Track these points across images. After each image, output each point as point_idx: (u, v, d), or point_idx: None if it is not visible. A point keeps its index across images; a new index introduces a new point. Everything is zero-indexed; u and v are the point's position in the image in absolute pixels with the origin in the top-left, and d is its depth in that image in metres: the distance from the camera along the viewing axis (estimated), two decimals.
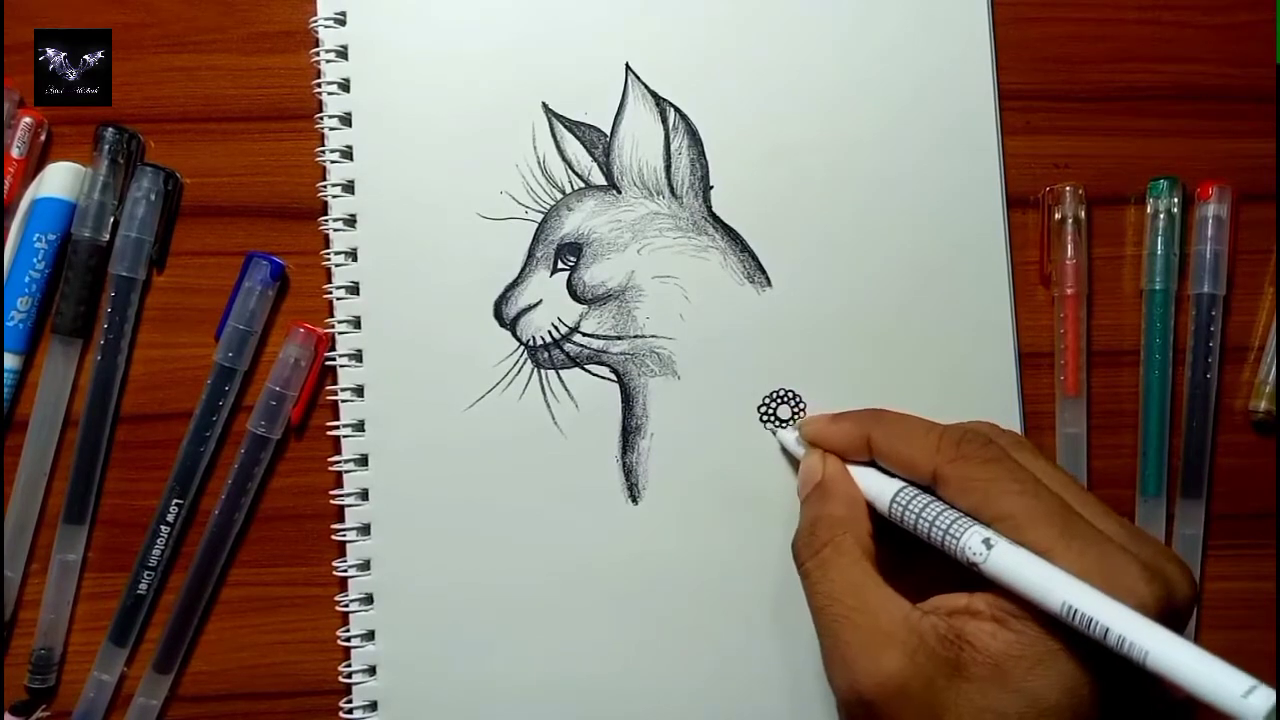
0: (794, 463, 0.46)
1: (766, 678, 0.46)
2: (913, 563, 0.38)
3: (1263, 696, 0.28)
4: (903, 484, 0.39)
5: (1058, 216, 0.48)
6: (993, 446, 0.37)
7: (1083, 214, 0.48)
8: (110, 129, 0.46)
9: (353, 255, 0.46)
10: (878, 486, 0.40)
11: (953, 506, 0.37)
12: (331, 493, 0.46)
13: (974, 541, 0.35)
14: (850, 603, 0.36)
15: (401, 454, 0.46)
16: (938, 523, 0.36)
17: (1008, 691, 0.33)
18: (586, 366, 0.46)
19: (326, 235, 0.46)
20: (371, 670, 0.46)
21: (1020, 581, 0.33)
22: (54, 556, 0.46)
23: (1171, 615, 0.33)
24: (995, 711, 0.33)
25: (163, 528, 0.46)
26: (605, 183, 0.47)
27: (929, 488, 0.38)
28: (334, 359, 0.46)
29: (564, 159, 0.47)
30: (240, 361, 0.46)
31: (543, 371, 0.46)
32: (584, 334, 0.46)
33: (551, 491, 0.46)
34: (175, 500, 0.46)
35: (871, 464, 0.41)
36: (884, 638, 0.35)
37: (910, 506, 0.38)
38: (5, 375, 0.46)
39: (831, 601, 0.37)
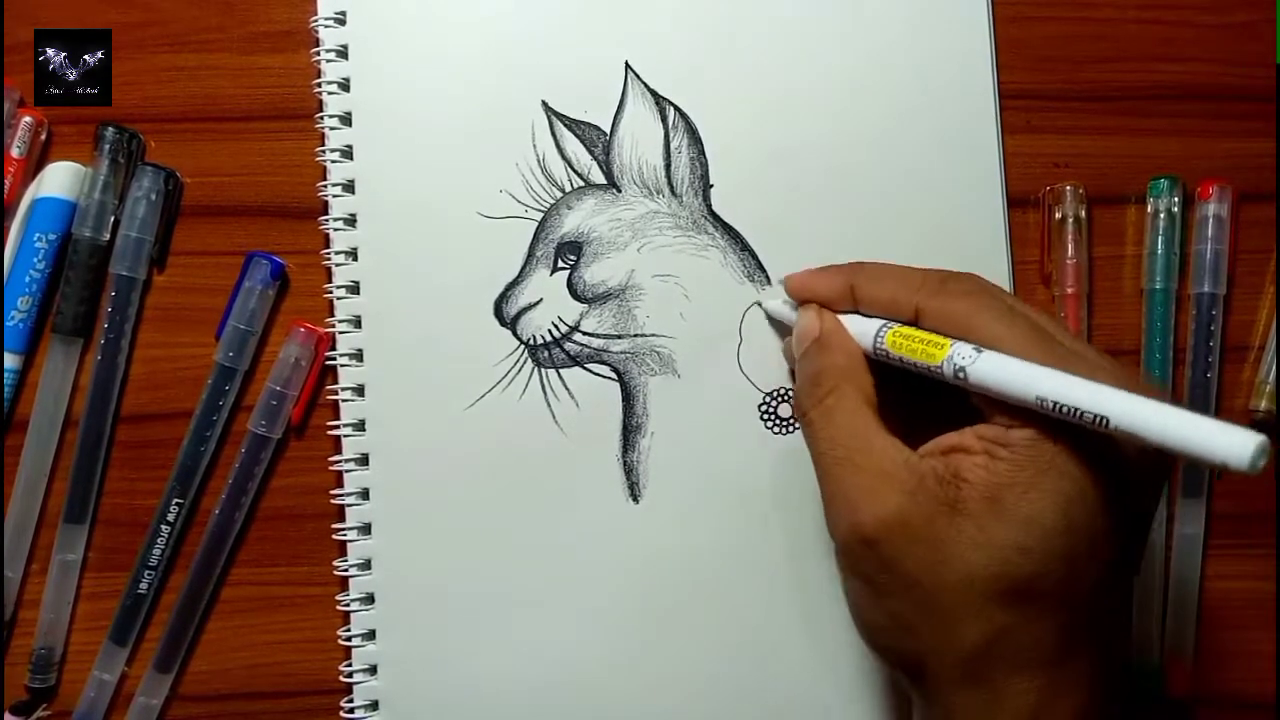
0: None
1: (766, 677, 0.46)
2: (909, 415, 0.39)
3: (1248, 438, 0.28)
4: (884, 322, 0.39)
5: (1058, 216, 0.48)
6: (973, 279, 0.39)
7: (1083, 213, 0.48)
8: (110, 128, 0.46)
9: (353, 255, 0.46)
10: (862, 328, 0.40)
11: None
12: (332, 492, 0.46)
13: (963, 349, 0.35)
14: (854, 445, 0.37)
15: (402, 453, 0.46)
16: (920, 336, 0.37)
17: (1004, 521, 0.33)
18: (587, 365, 0.46)
19: (326, 235, 0.46)
20: (372, 670, 0.46)
21: (998, 381, 0.34)
22: (54, 556, 0.46)
23: None
24: (992, 543, 0.33)
25: (163, 527, 0.46)
26: (605, 181, 0.47)
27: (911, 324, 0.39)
28: (334, 358, 0.46)
29: (564, 158, 0.47)
30: (240, 361, 0.46)
31: (543, 370, 0.46)
32: (584, 333, 0.46)
33: (552, 490, 0.46)
34: (175, 500, 0.46)
35: (855, 313, 0.42)
36: (886, 478, 0.35)
37: (897, 328, 0.39)
38: (5, 375, 0.46)
39: (835, 446, 0.37)
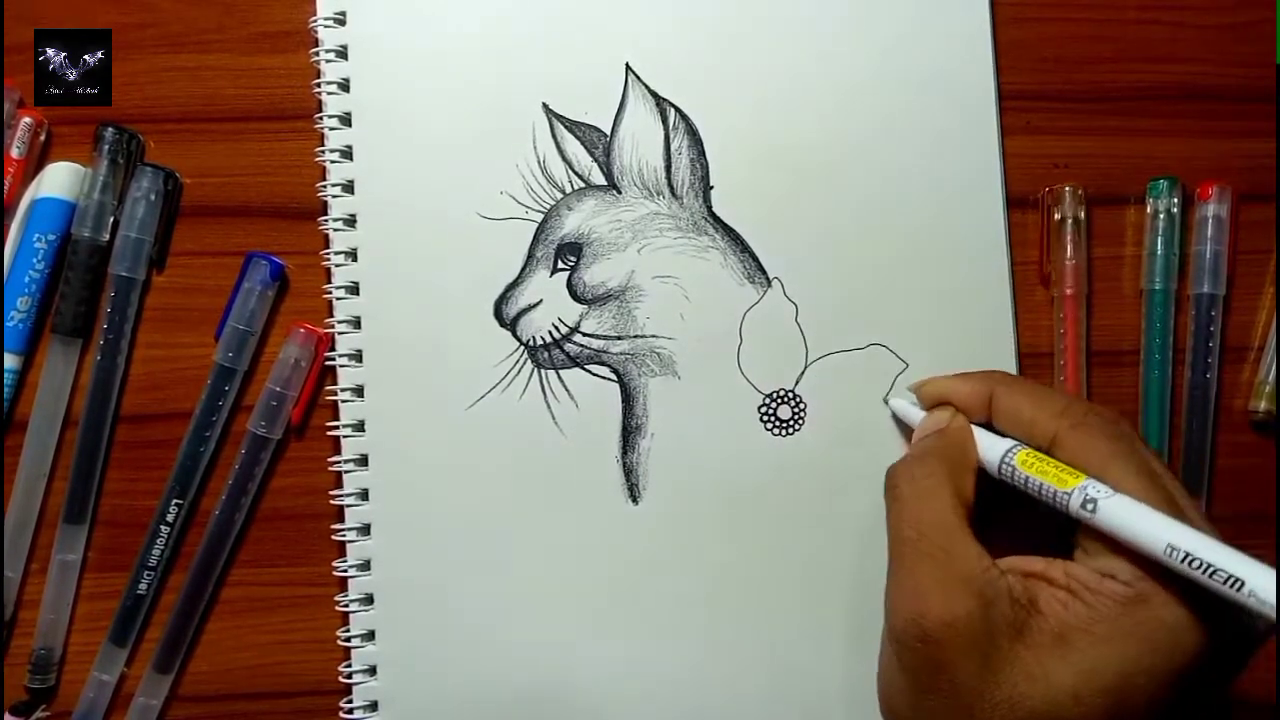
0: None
1: (766, 676, 0.46)
2: (993, 533, 0.38)
3: None
4: (1016, 442, 0.39)
5: (1057, 217, 0.48)
6: (1120, 424, 0.38)
7: (1082, 214, 0.48)
8: (110, 129, 0.46)
9: (353, 255, 0.46)
10: (990, 443, 0.40)
11: None
12: (331, 493, 0.46)
13: (1097, 485, 0.35)
14: (938, 539, 0.36)
15: (401, 454, 0.46)
16: (1045, 489, 0.37)
17: (1065, 663, 0.33)
18: (587, 366, 0.46)
19: (326, 235, 0.46)
20: (372, 670, 0.46)
21: (1129, 522, 0.33)
22: (54, 556, 0.46)
23: None
24: (1047, 680, 0.33)
25: (163, 528, 0.46)
26: (605, 183, 0.47)
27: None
28: (334, 359, 0.46)
29: (564, 159, 0.47)
30: (240, 361, 0.46)
31: (543, 371, 0.46)
32: (584, 334, 0.46)
33: (552, 491, 0.46)
34: (175, 500, 0.46)
35: (987, 426, 0.41)
36: (963, 582, 0.35)
37: (1027, 452, 0.38)
38: (5, 375, 0.46)
39: (919, 536, 0.37)
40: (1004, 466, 0.39)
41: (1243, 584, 0.31)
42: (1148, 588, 0.33)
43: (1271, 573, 0.31)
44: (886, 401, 0.46)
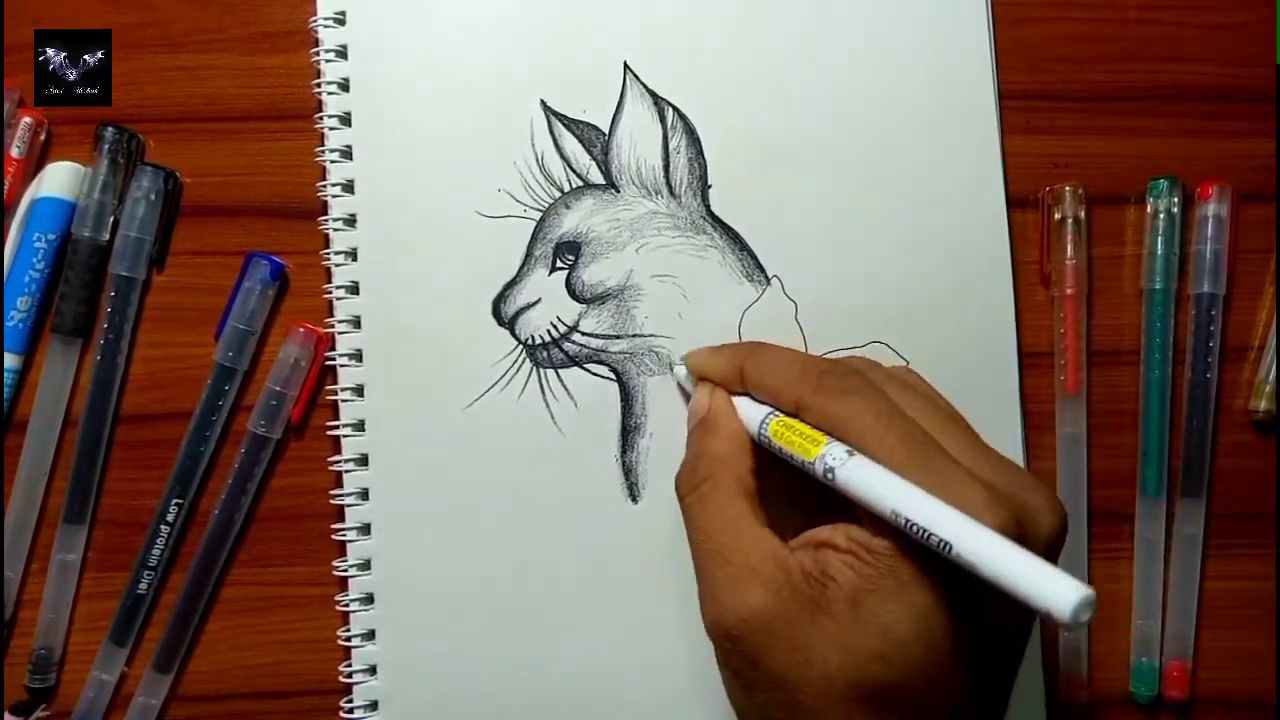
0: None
1: None
2: (794, 500, 0.38)
3: (1073, 590, 0.28)
4: (771, 410, 0.39)
5: (1058, 216, 0.48)
6: (853, 377, 0.37)
7: (1082, 214, 0.48)
8: (110, 128, 0.47)
9: (353, 255, 0.46)
10: (749, 414, 0.39)
11: None
12: (331, 492, 0.46)
13: (836, 450, 0.35)
14: (723, 540, 0.36)
15: (401, 453, 0.46)
16: (799, 433, 0.37)
17: (863, 627, 0.32)
18: (585, 365, 0.46)
19: (326, 235, 0.46)
20: (372, 670, 0.46)
21: (861, 488, 0.33)
22: (54, 556, 0.46)
23: (1022, 543, 0.32)
24: (851, 647, 0.33)
25: (163, 527, 0.46)
26: (604, 181, 0.47)
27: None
28: (334, 359, 0.46)
29: (562, 157, 0.47)
30: (240, 361, 0.46)
31: (542, 370, 0.46)
32: (583, 333, 0.46)
33: (551, 491, 0.46)
34: (175, 500, 0.46)
35: (747, 396, 0.41)
36: (751, 574, 0.35)
37: (779, 420, 0.38)
38: (5, 375, 0.46)
39: (706, 537, 0.37)
40: (761, 437, 0.38)
41: (950, 546, 0.30)
42: (905, 541, 0.33)
43: (977, 529, 0.30)
44: (671, 369, 0.46)
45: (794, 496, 0.38)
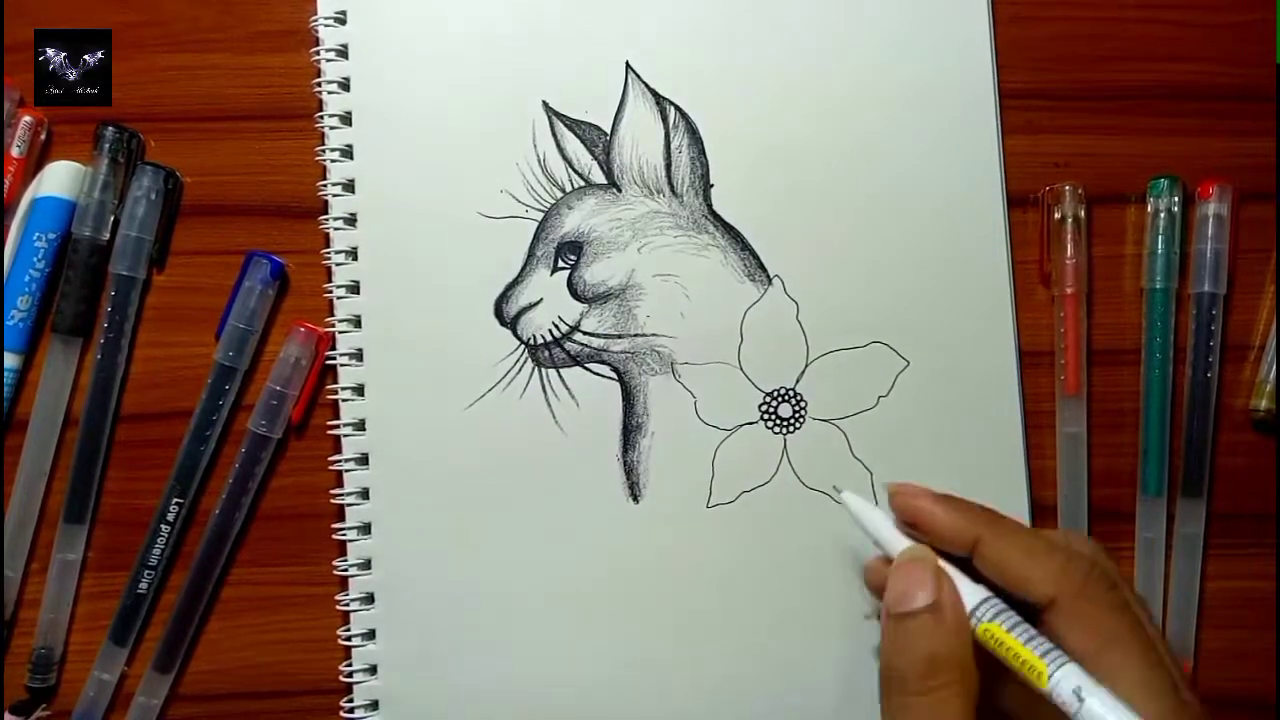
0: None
1: (766, 675, 0.46)
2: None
3: None
4: (989, 594, 0.36)
5: (1057, 216, 0.48)
6: (1118, 593, 0.36)
7: (1082, 213, 0.48)
8: (110, 128, 0.46)
9: (353, 254, 0.46)
10: (966, 597, 0.36)
11: (1041, 633, 0.35)
12: (332, 492, 0.46)
13: (1072, 682, 0.33)
14: None
15: (402, 453, 0.46)
16: (1032, 653, 0.34)
17: None
18: (587, 365, 0.46)
19: (326, 234, 0.46)
20: (372, 669, 0.46)
21: None
22: (54, 556, 0.46)
23: None
24: None
25: (163, 527, 0.46)
26: (605, 181, 0.47)
27: (1016, 605, 0.36)
28: (334, 358, 0.46)
29: (564, 157, 0.47)
30: (240, 361, 0.46)
31: (543, 370, 0.46)
32: (584, 332, 0.46)
33: (552, 490, 0.46)
34: (175, 499, 0.46)
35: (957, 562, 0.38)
36: None
37: (1000, 626, 0.35)
38: (5, 374, 0.46)
39: None
40: (975, 619, 0.36)
41: None
42: None
43: None
44: (837, 491, 0.42)
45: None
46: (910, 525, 0.39)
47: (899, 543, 0.39)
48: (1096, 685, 0.32)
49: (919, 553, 0.38)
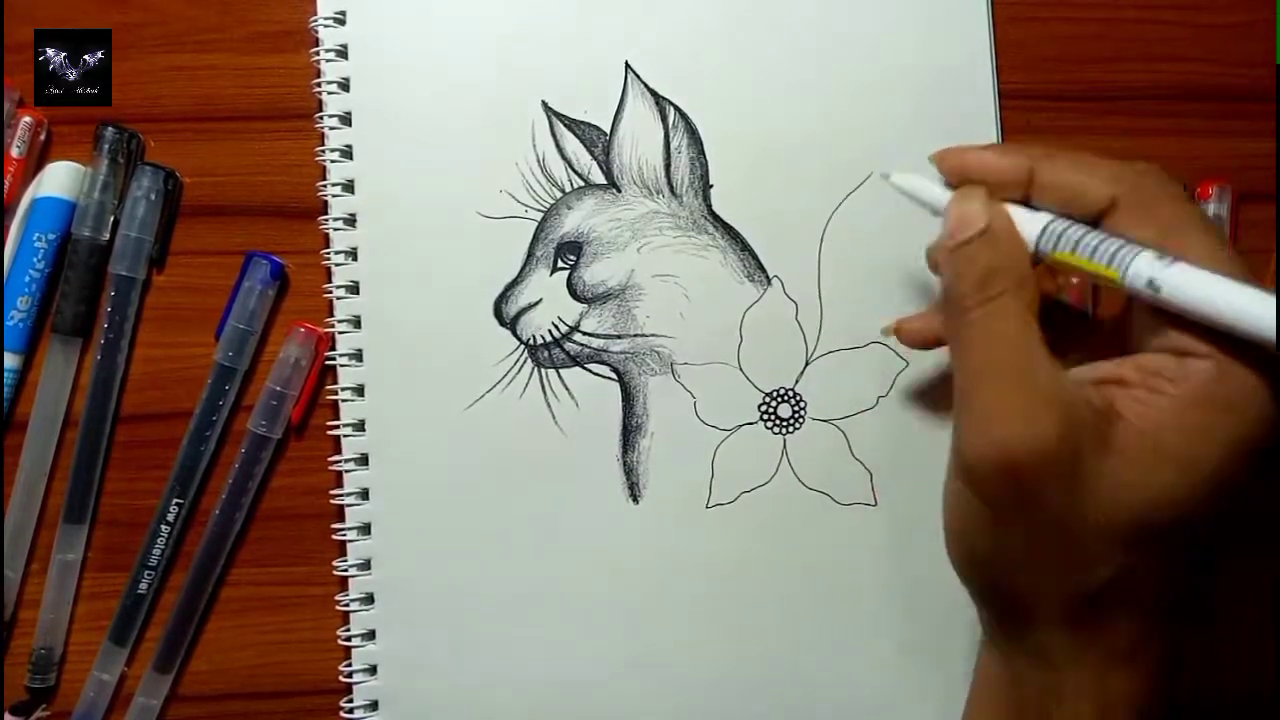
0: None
1: (766, 676, 0.46)
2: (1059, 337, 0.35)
3: None
4: (1053, 216, 0.35)
5: None
6: (1176, 186, 0.35)
7: None
8: (110, 128, 0.46)
9: (353, 255, 0.46)
10: (1023, 222, 0.36)
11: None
12: (332, 492, 0.46)
13: (1151, 255, 0.32)
14: (1017, 360, 0.33)
15: (402, 453, 0.46)
16: (1104, 246, 0.33)
17: (1161, 463, 0.31)
18: (587, 365, 0.46)
19: (326, 234, 0.46)
20: (372, 670, 0.46)
21: (1214, 293, 0.31)
22: (54, 556, 0.46)
23: None
24: (1144, 485, 0.31)
25: (163, 527, 0.46)
26: (605, 181, 0.47)
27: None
28: (334, 358, 0.46)
29: (564, 157, 0.47)
30: (240, 361, 0.46)
31: (543, 370, 0.46)
32: (584, 333, 0.46)
33: (552, 490, 0.46)
34: (175, 500, 0.46)
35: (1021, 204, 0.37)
36: (1045, 401, 0.32)
37: (1069, 233, 0.34)
38: (5, 375, 0.46)
39: (995, 357, 0.34)
40: (1041, 249, 0.35)
41: None
42: (1227, 359, 0.31)
43: None
44: (887, 177, 0.40)
45: (1058, 333, 0.35)
46: (961, 180, 0.38)
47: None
48: (1170, 262, 0.32)
49: (969, 190, 0.37)
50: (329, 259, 0.46)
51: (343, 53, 0.47)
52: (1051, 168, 0.36)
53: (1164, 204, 0.34)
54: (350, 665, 0.46)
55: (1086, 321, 0.35)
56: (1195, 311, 0.31)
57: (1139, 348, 0.34)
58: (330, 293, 0.46)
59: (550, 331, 0.46)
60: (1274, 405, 0.31)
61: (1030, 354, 0.33)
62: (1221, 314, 0.31)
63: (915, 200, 0.39)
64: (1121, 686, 0.33)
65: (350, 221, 0.46)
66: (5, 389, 0.46)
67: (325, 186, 0.46)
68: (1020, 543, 0.33)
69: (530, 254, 0.46)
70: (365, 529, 0.46)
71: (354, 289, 0.46)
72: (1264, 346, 0.30)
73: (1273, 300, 0.30)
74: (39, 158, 0.47)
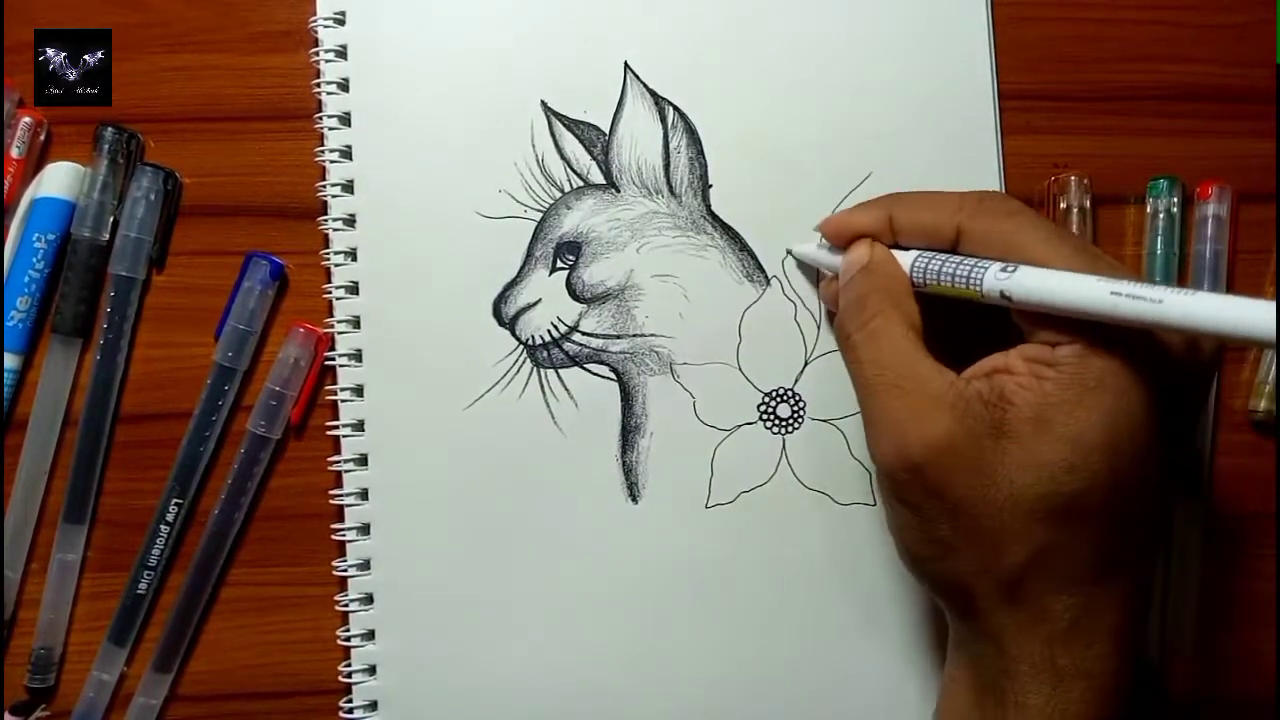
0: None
1: (766, 677, 0.46)
2: (949, 344, 0.39)
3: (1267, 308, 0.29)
4: (920, 250, 0.40)
5: (1063, 205, 0.48)
6: (1014, 201, 0.39)
7: (1087, 204, 0.47)
8: (110, 129, 0.46)
9: (352, 255, 0.46)
10: (901, 259, 0.40)
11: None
12: (331, 492, 0.46)
13: (995, 270, 0.36)
14: (900, 371, 0.37)
15: (401, 453, 0.46)
16: (959, 271, 0.37)
17: (1050, 440, 0.34)
18: (586, 365, 0.46)
19: (326, 235, 0.46)
20: (371, 670, 0.46)
21: (1051, 288, 0.34)
22: (54, 556, 0.46)
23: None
24: (1038, 463, 0.34)
25: (162, 527, 0.46)
26: (604, 181, 0.47)
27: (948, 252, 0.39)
28: (334, 359, 0.46)
29: (563, 157, 0.47)
30: (240, 361, 0.46)
31: (542, 370, 0.46)
32: (583, 333, 0.46)
33: (551, 491, 0.46)
34: (175, 500, 0.46)
35: (895, 247, 0.41)
36: (932, 403, 0.35)
37: (930, 266, 0.39)
38: (5, 375, 0.46)
39: (880, 371, 0.37)
40: (915, 274, 0.39)
41: (1162, 301, 0.31)
42: (1088, 342, 0.34)
43: (1183, 290, 0.31)
44: (790, 252, 0.46)
45: (950, 341, 0.39)
46: (843, 241, 0.43)
47: (840, 255, 0.43)
48: (1012, 272, 0.35)
49: (859, 241, 0.42)
50: (328, 259, 0.46)
51: (342, 53, 0.47)
52: (903, 212, 0.41)
53: (1003, 219, 0.37)
54: (350, 665, 0.46)
55: (979, 320, 0.38)
56: (1044, 307, 0.34)
57: (1026, 339, 0.36)
58: (330, 293, 0.46)
59: (549, 331, 0.46)
60: (1136, 378, 0.34)
61: (911, 363, 0.37)
62: (1062, 306, 0.34)
63: (815, 264, 0.46)
64: (1071, 662, 0.35)
65: (350, 222, 0.46)
66: (5, 389, 0.46)
67: (325, 187, 0.46)
68: (946, 534, 0.36)
69: (529, 254, 0.46)
70: (364, 529, 0.46)
71: (353, 289, 0.46)
72: (1108, 320, 0.33)
73: (1103, 283, 0.32)
74: (39, 158, 0.47)
